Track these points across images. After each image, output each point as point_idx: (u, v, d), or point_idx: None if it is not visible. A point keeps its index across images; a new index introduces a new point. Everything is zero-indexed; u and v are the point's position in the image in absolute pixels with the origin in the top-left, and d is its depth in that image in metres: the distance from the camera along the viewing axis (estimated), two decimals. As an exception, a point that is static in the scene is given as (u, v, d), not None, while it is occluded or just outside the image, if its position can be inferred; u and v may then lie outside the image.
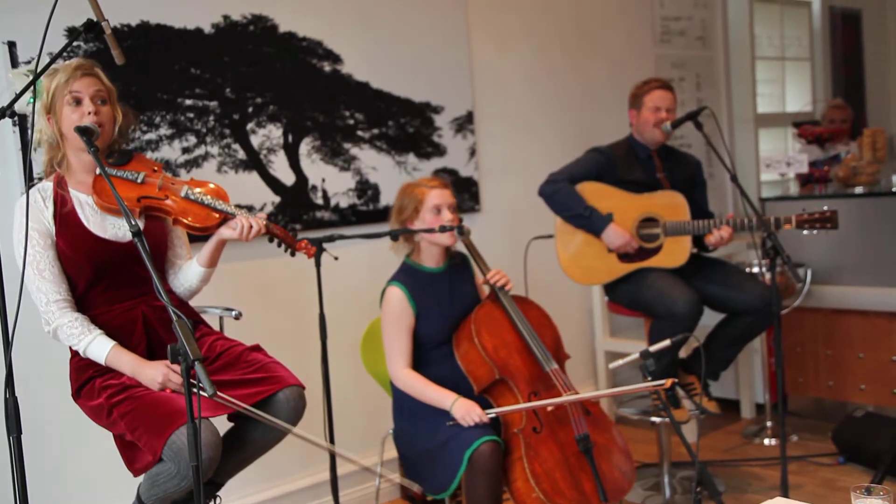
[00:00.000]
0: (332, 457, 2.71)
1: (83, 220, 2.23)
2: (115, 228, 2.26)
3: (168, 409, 2.08)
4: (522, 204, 4.01)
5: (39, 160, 2.36)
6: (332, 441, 2.71)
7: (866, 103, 6.84)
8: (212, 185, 2.38)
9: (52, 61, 2.10)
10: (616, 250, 3.31)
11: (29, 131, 2.15)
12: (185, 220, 2.28)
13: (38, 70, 2.03)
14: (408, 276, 2.82)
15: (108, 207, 2.21)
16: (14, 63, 2.65)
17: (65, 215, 2.21)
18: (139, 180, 2.28)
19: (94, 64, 2.27)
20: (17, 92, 2.06)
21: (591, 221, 3.30)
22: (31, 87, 2.05)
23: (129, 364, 2.17)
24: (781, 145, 5.90)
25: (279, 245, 2.46)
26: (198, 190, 2.32)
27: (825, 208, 3.11)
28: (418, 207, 2.78)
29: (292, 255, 2.52)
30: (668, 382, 2.44)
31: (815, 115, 5.84)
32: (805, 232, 3.15)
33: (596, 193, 3.36)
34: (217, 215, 2.31)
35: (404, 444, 2.81)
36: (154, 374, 2.14)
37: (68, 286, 2.21)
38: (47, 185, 2.24)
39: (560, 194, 3.34)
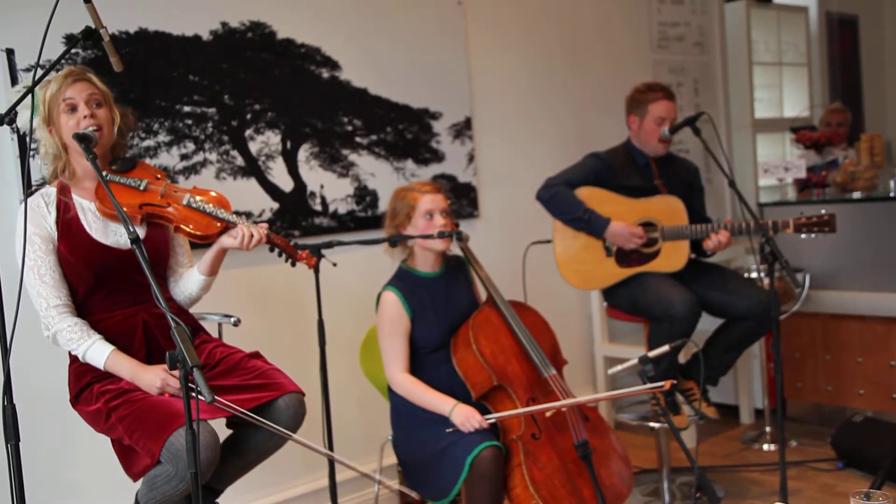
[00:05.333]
0: (332, 463, 2.70)
1: (86, 227, 2.23)
2: (116, 235, 2.26)
3: (166, 411, 2.08)
4: (521, 210, 4.02)
5: (39, 168, 2.36)
6: (330, 448, 2.70)
7: (864, 108, 6.85)
8: (214, 194, 2.39)
9: (50, 69, 2.10)
10: (623, 246, 3.30)
11: (28, 141, 2.16)
12: (186, 228, 2.28)
13: (35, 80, 2.04)
14: (402, 280, 2.82)
15: (111, 214, 2.22)
16: (13, 70, 2.65)
17: (67, 221, 2.21)
18: (142, 187, 2.29)
19: (86, 69, 2.27)
20: (14, 103, 2.06)
21: (590, 224, 3.30)
22: (31, 100, 2.05)
23: (128, 368, 2.17)
24: (779, 150, 5.90)
25: (280, 255, 2.47)
26: (199, 198, 2.33)
27: (823, 212, 3.11)
28: (410, 213, 2.78)
29: (293, 265, 2.52)
30: (667, 384, 2.43)
31: (812, 120, 5.85)
32: (803, 236, 3.15)
33: (593, 198, 3.36)
34: (218, 224, 2.31)
35: (403, 451, 2.80)
36: (153, 378, 2.14)
37: (68, 291, 2.21)
38: (51, 191, 2.25)
39: (558, 198, 3.34)
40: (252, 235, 2.31)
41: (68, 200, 2.24)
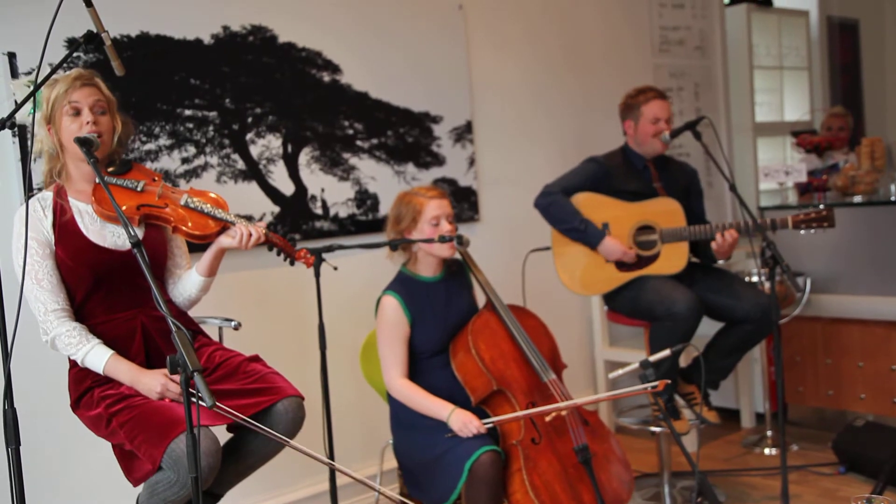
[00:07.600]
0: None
1: (82, 229, 2.23)
2: (114, 237, 2.26)
3: (167, 417, 2.08)
4: (522, 213, 4.01)
5: (39, 170, 2.37)
6: (331, 451, 2.70)
7: (864, 112, 6.86)
8: (212, 195, 2.39)
9: (53, 72, 2.10)
10: (614, 261, 3.31)
11: (29, 142, 2.16)
12: (184, 228, 2.28)
13: (38, 81, 2.04)
14: (403, 285, 2.82)
15: (108, 215, 2.22)
16: (14, 74, 2.66)
17: (64, 224, 2.21)
18: (139, 189, 2.29)
19: (94, 74, 2.28)
20: (17, 103, 2.07)
21: (586, 235, 3.30)
22: (32, 98, 2.06)
23: (128, 373, 2.17)
24: (780, 154, 5.90)
25: (278, 254, 2.47)
26: (197, 199, 2.33)
27: (821, 206, 3.10)
28: (416, 218, 2.77)
29: (291, 264, 2.52)
30: (660, 385, 2.43)
31: (813, 124, 5.85)
32: (802, 232, 3.14)
33: (591, 203, 3.36)
34: (216, 223, 2.32)
35: (404, 455, 2.80)
36: (152, 383, 2.14)
37: (66, 296, 2.21)
38: (47, 195, 2.25)
39: (554, 207, 3.34)
40: (250, 234, 2.31)
41: (64, 203, 2.24)
